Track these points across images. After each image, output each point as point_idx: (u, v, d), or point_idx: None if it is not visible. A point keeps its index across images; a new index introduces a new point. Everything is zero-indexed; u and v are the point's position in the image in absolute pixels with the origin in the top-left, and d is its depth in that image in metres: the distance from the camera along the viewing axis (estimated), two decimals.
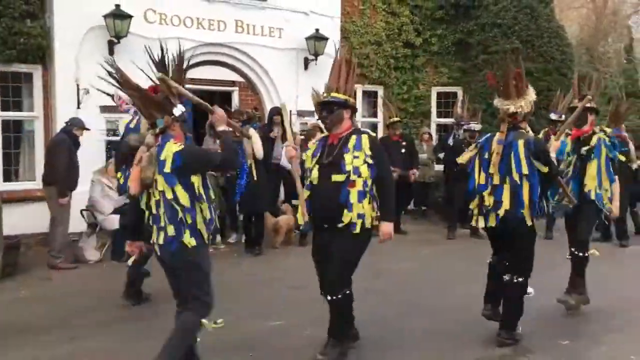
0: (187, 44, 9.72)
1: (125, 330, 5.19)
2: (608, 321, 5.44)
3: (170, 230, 3.73)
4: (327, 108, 4.44)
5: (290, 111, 9.87)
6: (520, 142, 4.63)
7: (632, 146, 9.28)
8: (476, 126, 9.66)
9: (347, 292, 4.32)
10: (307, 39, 10.81)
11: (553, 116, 8.55)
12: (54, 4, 8.73)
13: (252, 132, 8.19)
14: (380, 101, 12.09)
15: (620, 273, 7.44)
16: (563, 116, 8.78)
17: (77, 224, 8.08)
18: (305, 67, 11.04)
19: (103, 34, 8.97)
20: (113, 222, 7.69)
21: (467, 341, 4.89)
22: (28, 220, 8.09)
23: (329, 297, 4.33)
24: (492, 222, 4.75)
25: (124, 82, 3.97)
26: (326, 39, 10.81)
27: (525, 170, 4.59)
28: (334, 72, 4.50)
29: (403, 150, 10.06)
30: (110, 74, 3.99)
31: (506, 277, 4.73)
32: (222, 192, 8.82)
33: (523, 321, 5.21)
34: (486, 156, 4.81)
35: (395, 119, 10.18)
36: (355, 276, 6.57)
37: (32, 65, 8.82)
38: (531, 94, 4.78)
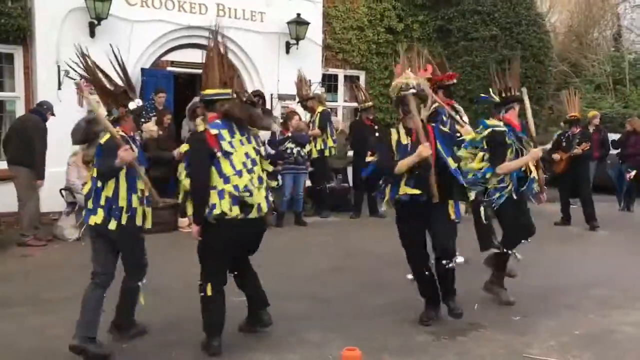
0: (168, 26, 9.96)
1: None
2: (562, 298, 5.66)
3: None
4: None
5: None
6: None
7: None
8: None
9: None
10: (289, 23, 10.92)
11: None
12: None
13: None
14: (363, 86, 12.30)
15: (583, 254, 7.70)
16: None
17: (57, 202, 8.25)
18: (287, 51, 11.16)
19: (84, 15, 9.06)
20: None
21: None
22: (5, 198, 8.21)
23: None
24: None
25: (88, 72, 4.26)
26: (307, 23, 10.95)
27: None
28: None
29: (377, 134, 10.19)
30: (81, 63, 4.23)
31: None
32: None
33: (480, 297, 5.48)
34: None
35: (369, 103, 10.30)
36: (328, 255, 6.83)
37: (12, 46, 8.94)
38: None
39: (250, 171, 4.18)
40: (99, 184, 4.13)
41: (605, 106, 17.61)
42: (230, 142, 4.13)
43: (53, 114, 7.87)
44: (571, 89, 10.34)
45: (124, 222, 4.16)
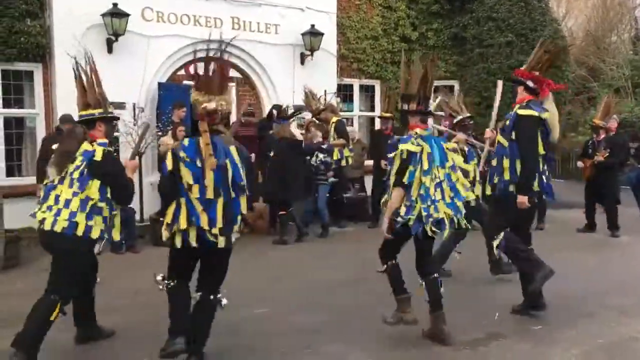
0: (184, 41, 10.06)
1: (114, 320, 5.39)
2: (582, 307, 5.58)
3: None
4: None
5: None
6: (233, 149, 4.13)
7: None
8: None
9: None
10: (303, 34, 10.97)
11: None
12: (53, 3, 8.99)
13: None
14: (377, 95, 12.41)
15: (603, 262, 7.58)
16: None
17: None
18: (302, 62, 11.21)
19: (102, 32, 9.19)
20: None
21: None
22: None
23: None
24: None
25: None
26: (322, 34, 11.00)
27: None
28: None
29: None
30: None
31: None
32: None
33: (499, 307, 5.42)
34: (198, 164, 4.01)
35: (387, 114, 10.24)
36: (345, 266, 6.80)
37: (32, 63, 9.09)
38: (231, 96, 4.33)
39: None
40: None
41: (625, 110, 17.39)
42: None
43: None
44: (610, 96, 10.29)
45: None
